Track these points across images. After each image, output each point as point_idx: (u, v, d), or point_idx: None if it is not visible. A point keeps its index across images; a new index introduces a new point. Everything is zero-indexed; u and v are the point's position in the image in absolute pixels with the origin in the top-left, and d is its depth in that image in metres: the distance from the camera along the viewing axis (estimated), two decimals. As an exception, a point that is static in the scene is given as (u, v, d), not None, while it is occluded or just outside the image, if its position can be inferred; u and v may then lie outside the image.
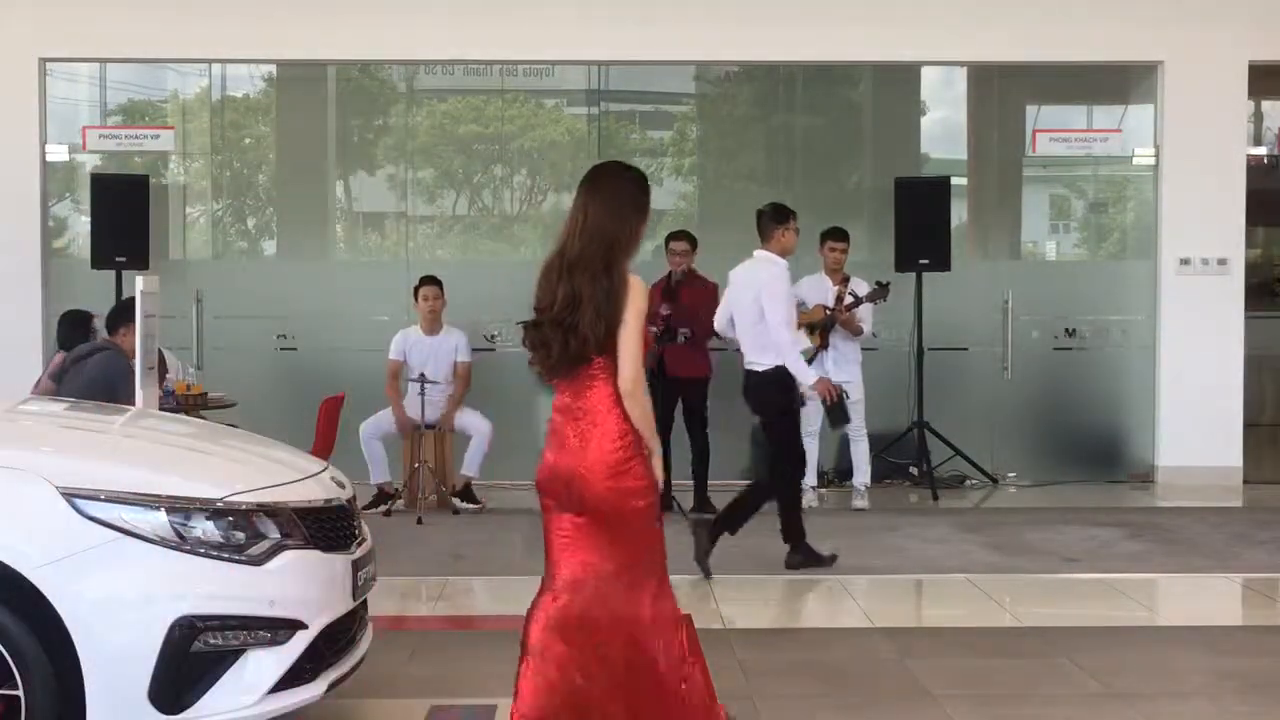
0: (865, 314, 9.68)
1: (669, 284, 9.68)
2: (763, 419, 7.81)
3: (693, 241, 9.77)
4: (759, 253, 7.78)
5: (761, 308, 7.50)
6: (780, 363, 7.48)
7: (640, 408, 4.28)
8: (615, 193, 4.42)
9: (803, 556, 7.68)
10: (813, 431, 9.86)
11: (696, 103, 12.58)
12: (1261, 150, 12.58)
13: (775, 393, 7.56)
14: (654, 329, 9.38)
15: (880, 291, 9.65)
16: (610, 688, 4.19)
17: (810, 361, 9.71)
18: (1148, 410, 11.07)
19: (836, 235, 9.86)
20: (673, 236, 9.83)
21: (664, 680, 4.27)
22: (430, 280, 9.83)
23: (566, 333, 4.27)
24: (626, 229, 4.38)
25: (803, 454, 7.88)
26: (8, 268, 10.63)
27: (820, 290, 9.79)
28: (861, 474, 9.85)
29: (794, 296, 9.80)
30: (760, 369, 7.60)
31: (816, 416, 9.83)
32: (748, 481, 10.79)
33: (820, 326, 9.67)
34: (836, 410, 7.85)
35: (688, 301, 9.59)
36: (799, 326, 9.68)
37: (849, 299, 9.64)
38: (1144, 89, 11.25)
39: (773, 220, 7.76)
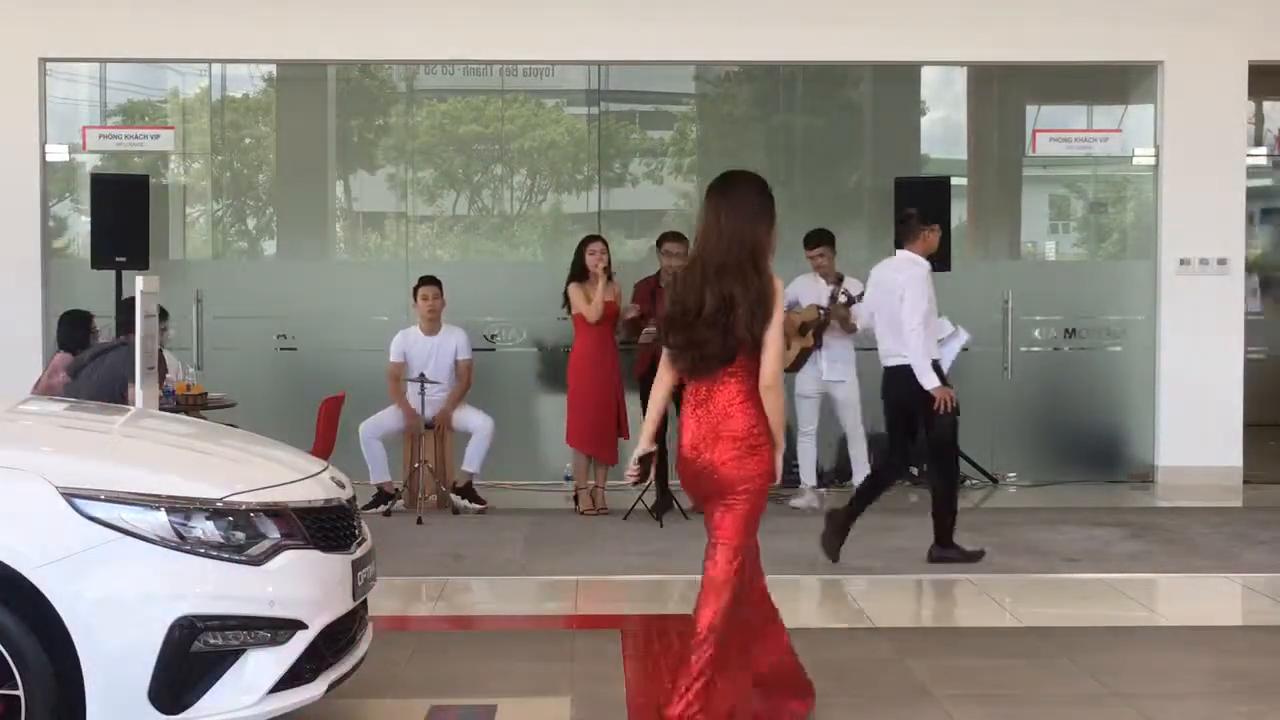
0: (859, 309, 9.66)
1: (659, 285, 9.65)
2: (920, 413, 7.81)
3: (686, 243, 9.76)
4: (902, 253, 7.95)
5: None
6: (933, 357, 7.72)
7: (779, 401, 4.71)
8: (747, 199, 4.78)
9: (941, 550, 7.86)
10: (809, 432, 9.87)
11: (696, 103, 12.58)
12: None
13: (923, 387, 7.68)
14: (653, 330, 9.38)
15: (851, 300, 9.65)
16: (745, 636, 4.81)
17: (803, 362, 9.76)
18: (1148, 410, 11.07)
19: (811, 244, 9.81)
20: (667, 238, 9.79)
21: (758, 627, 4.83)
22: (430, 280, 9.83)
23: (724, 333, 4.63)
24: (763, 232, 4.74)
25: (956, 451, 8.03)
26: (8, 268, 10.64)
27: (814, 290, 9.79)
28: (861, 474, 9.84)
29: (791, 295, 9.85)
30: (907, 364, 7.72)
31: (815, 416, 9.85)
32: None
33: (813, 326, 9.67)
34: (938, 419, 7.77)
35: None
36: (797, 326, 9.71)
37: (843, 298, 9.63)
38: (1144, 89, 11.26)
39: (919, 222, 7.94)
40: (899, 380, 7.78)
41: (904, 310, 7.64)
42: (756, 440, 4.67)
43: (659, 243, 9.84)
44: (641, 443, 4.97)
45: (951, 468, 7.97)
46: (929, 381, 7.61)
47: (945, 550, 7.85)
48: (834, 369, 9.73)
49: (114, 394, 7.73)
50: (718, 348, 4.65)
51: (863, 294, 9.59)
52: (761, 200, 4.80)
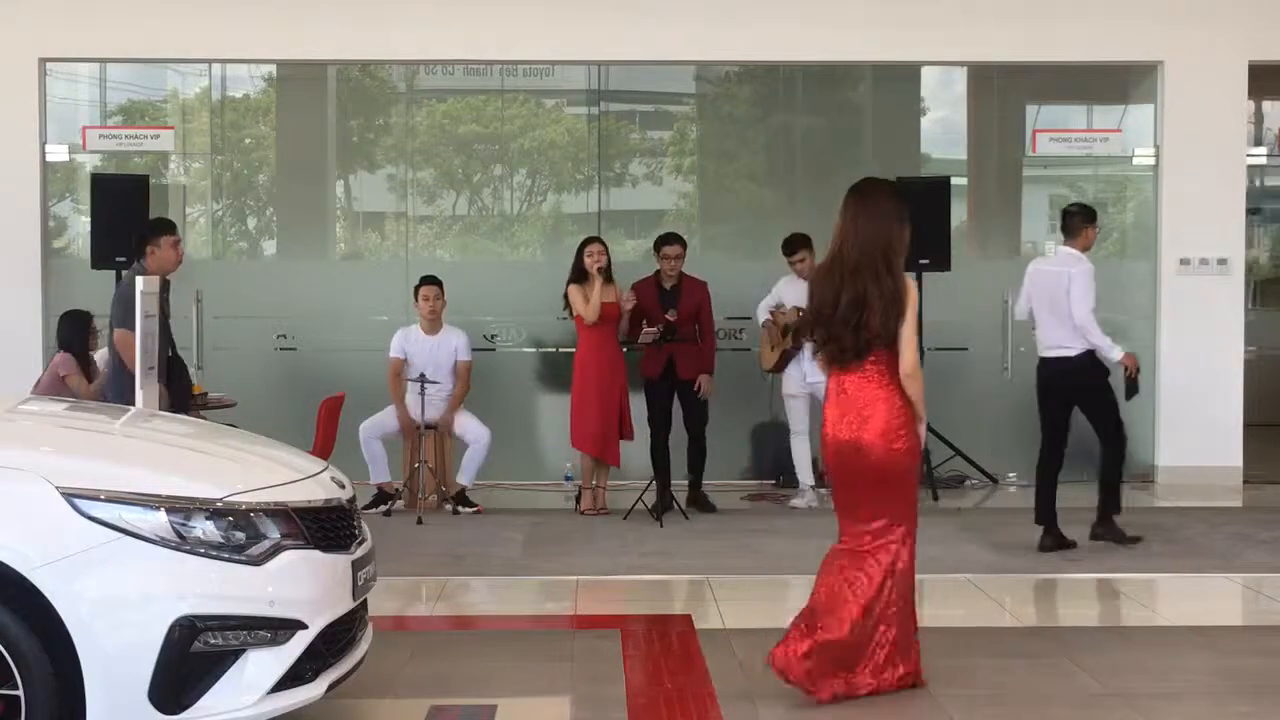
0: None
1: (662, 289, 9.64)
2: (1082, 400, 8.25)
3: (683, 244, 9.76)
4: (1064, 250, 8.35)
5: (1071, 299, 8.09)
6: (1088, 348, 8.10)
7: (919, 386, 5.21)
8: (881, 204, 5.22)
9: (1104, 530, 8.23)
10: (801, 432, 9.87)
11: (696, 103, 12.58)
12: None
13: (1088, 375, 8.14)
14: (655, 330, 9.38)
15: None
16: (868, 603, 5.15)
17: (786, 363, 9.77)
18: (1148, 410, 11.06)
19: (793, 249, 9.77)
20: (665, 240, 9.78)
21: (893, 594, 5.22)
22: (430, 280, 9.83)
23: (856, 329, 5.10)
24: (896, 235, 5.18)
25: (1122, 424, 8.39)
26: (8, 268, 10.64)
27: (796, 291, 9.78)
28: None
29: (774, 298, 9.87)
30: (1069, 355, 8.14)
31: (805, 416, 9.85)
32: (748, 481, 10.88)
33: (795, 329, 9.67)
34: (1130, 384, 8.33)
35: (688, 304, 9.59)
36: (779, 329, 9.71)
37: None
38: (1144, 89, 11.26)
39: (1083, 220, 8.28)
40: (1060, 370, 8.17)
41: (1073, 304, 8.03)
42: (900, 424, 5.17)
43: (656, 245, 9.81)
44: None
45: (1122, 440, 8.37)
46: (1117, 354, 8.15)
47: (1108, 529, 8.21)
48: (816, 370, 9.72)
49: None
50: (852, 342, 5.14)
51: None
52: (895, 205, 5.24)
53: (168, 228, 8.08)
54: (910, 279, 5.20)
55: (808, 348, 9.59)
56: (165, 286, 7.86)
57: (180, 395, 7.96)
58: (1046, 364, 8.25)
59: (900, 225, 5.23)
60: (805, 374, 9.72)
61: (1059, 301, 8.10)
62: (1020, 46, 10.91)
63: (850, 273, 5.14)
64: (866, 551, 5.20)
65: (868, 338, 5.12)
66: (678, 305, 9.57)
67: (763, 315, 9.90)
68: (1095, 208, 8.60)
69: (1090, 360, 8.13)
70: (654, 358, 9.50)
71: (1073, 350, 8.12)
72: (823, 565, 5.27)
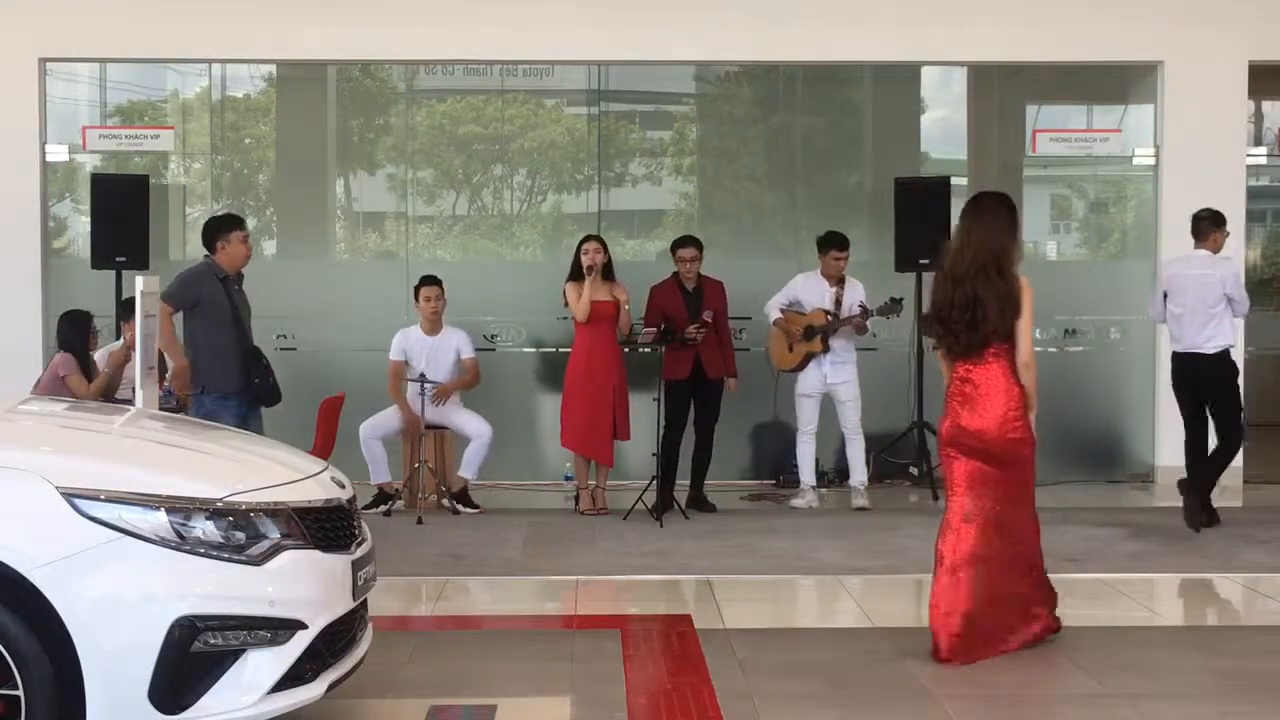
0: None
1: (685, 291, 9.63)
2: (1214, 395, 8.95)
3: (700, 246, 9.75)
4: (1201, 252, 8.95)
5: (1225, 297, 8.79)
6: (1226, 345, 8.83)
7: (1033, 376, 5.78)
8: (995, 215, 5.84)
9: (1207, 516, 8.75)
10: (809, 432, 9.87)
11: (696, 103, 12.58)
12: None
13: (1230, 371, 8.93)
14: (653, 330, 9.37)
15: (893, 307, 9.66)
16: (992, 577, 5.77)
17: (807, 363, 9.75)
18: (1148, 410, 11.07)
19: (841, 245, 9.79)
20: (681, 244, 9.76)
21: (1021, 566, 5.85)
22: (430, 280, 9.82)
23: (972, 326, 5.71)
24: (1008, 242, 5.79)
25: (1243, 423, 9.10)
26: (8, 268, 10.64)
27: (818, 292, 9.77)
28: (859, 474, 9.86)
29: (792, 294, 9.85)
30: (1213, 352, 8.83)
31: (815, 416, 9.84)
32: (748, 481, 10.88)
33: (822, 332, 9.66)
34: None
35: (713, 304, 9.59)
36: (802, 329, 9.70)
37: (856, 310, 9.60)
38: (1144, 89, 11.26)
39: (1212, 224, 8.95)
40: (1199, 367, 8.85)
41: (1236, 303, 8.83)
42: (1016, 412, 5.75)
43: (673, 249, 9.78)
44: None
45: (1240, 437, 9.06)
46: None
47: (1210, 515, 8.75)
48: (837, 371, 9.73)
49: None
50: (969, 337, 5.74)
51: (882, 309, 9.56)
52: (1008, 216, 5.84)
53: (237, 223, 8.22)
54: (1025, 279, 5.77)
55: (832, 350, 9.67)
56: (239, 279, 8.08)
57: (264, 391, 8.09)
58: (1185, 359, 8.94)
59: (1012, 234, 5.84)
60: (826, 375, 9.71)
61: (1207, 301, 8.79)
62: (1020, 46, 10.91)
63: (967, 276, 5.72)
64: (990, 527, 5.79)
65: (985, 333, 5.71)
66: (704, 305, 9.56)
67: (774, 313, 9.86)
68: (1219, 214, 9.04)
69: (1227, 358, 8.86)
70: (681, 359, 9.48)
71: (1213, 348, 8.82)
72: (946, 541, 5.85)
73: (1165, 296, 9.06)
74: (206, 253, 8.24)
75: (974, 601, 5.73)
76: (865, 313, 9.58)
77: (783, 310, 9.83)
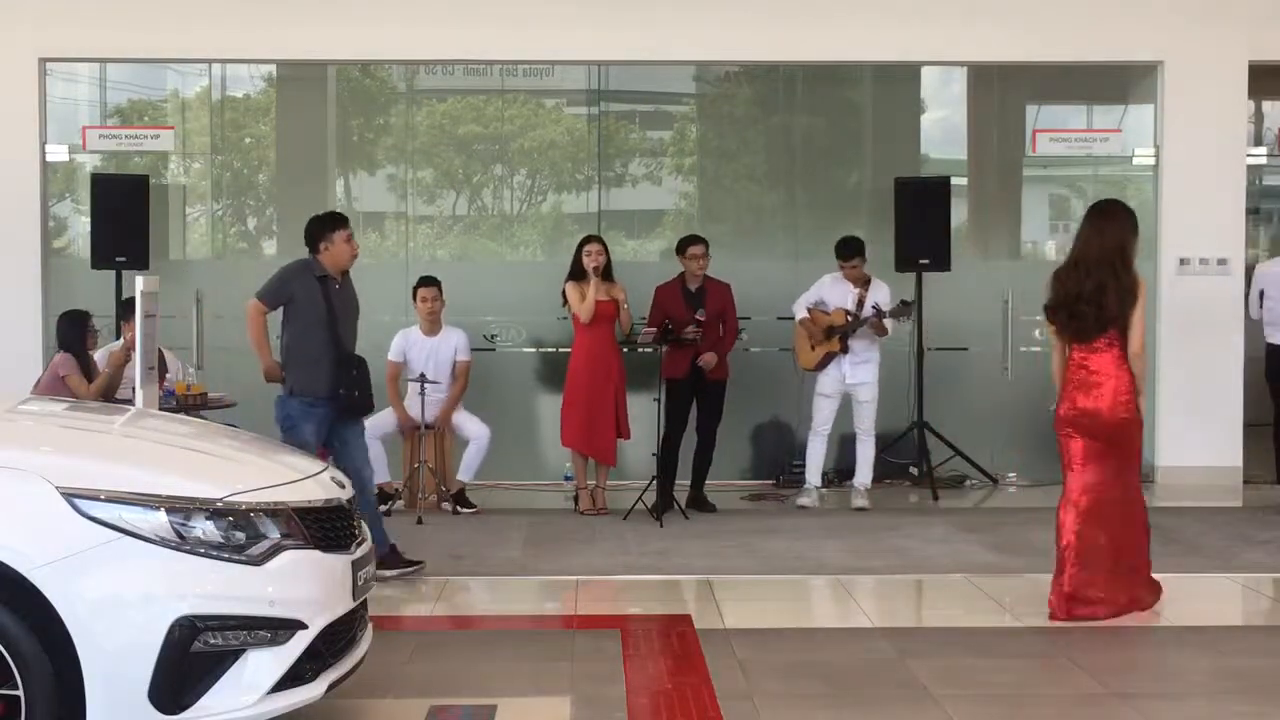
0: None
1: (687, 291, 9.63)
2: None
3: (706, 244, 9.74)
4: None
5: None
6: None
7: (1144, 365, 6.59)
8: (1117, 218, 6.61)
9: None
10: (822, 433, 9.85)
11: (696, 103, 12.58)
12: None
13: None
14: (654, 330, 9.37)
15: (904, 310, 9.67)
16: (1112, 543, 6.54)
17: (828, 363, 9.75)
18: (1148, 410, 11.01)
19: (849, 254, 9.74)
20: (691, 241, 9.73)
21: (1134, 533, 6.62)
22: (429, 281, 9.82)
23: (1097, 311, 6.43)
24: (1129, 241, 6.54)
25: None
26: (8, 268, 10.64)
27: (842, 293, 9.75)
28: (863, 474, 9.86)
29: (815, 295, 9.84)
30: None
31: (831, 418, 9.84)
32: (748, 481, 10.87)
33: (842, 332, 9.65)
34: None
35: (714, 305, 9.59)
36: (824, 329, 9.70)
37: (870, 311, 9.59)
38: (1144, 89, 11.25)
39: None
40: None
41: None
42: (1126, 396, 6.46)
43: (681, 248, 9.74)
44: None
45: None
46: None
47: None
48: (857, 371, 9.72)
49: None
50: (1092, 322, 6.45)
51: (894, 311, 9.56)
52: (1128, 218, 6.62)
53: (341, 222, 7.70)
54: (1141, 275, 6.54)
55: (852, 351, 9.67)
56: (342, 279, 7.64)
57: (356, 403, 7.47)
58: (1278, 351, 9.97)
59: (1133, 234, 6.58)
60: (845, 375, 9.70)
61: None
62: (1020, 46, 10.90)
63: (1093, 269, 6.45)
64: (1105, 498, 6.51)
65: (1106, 319, 6.42)
66: (704, 306, 9.56)
67: (800, 312, 9.85)
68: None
69: None
70: (680, 358, 9.48)
71: None
72: (1067, 512, 6.56)
73: (1261, 295, 10.06)
74: (309, 251, 7.63)
75: (1084, 567, 6.47)
76: (879, 314, 9.57)
77: (809, 310, 9.82)
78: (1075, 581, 6.47)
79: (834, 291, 9.79)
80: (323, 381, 7.37)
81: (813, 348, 9.79)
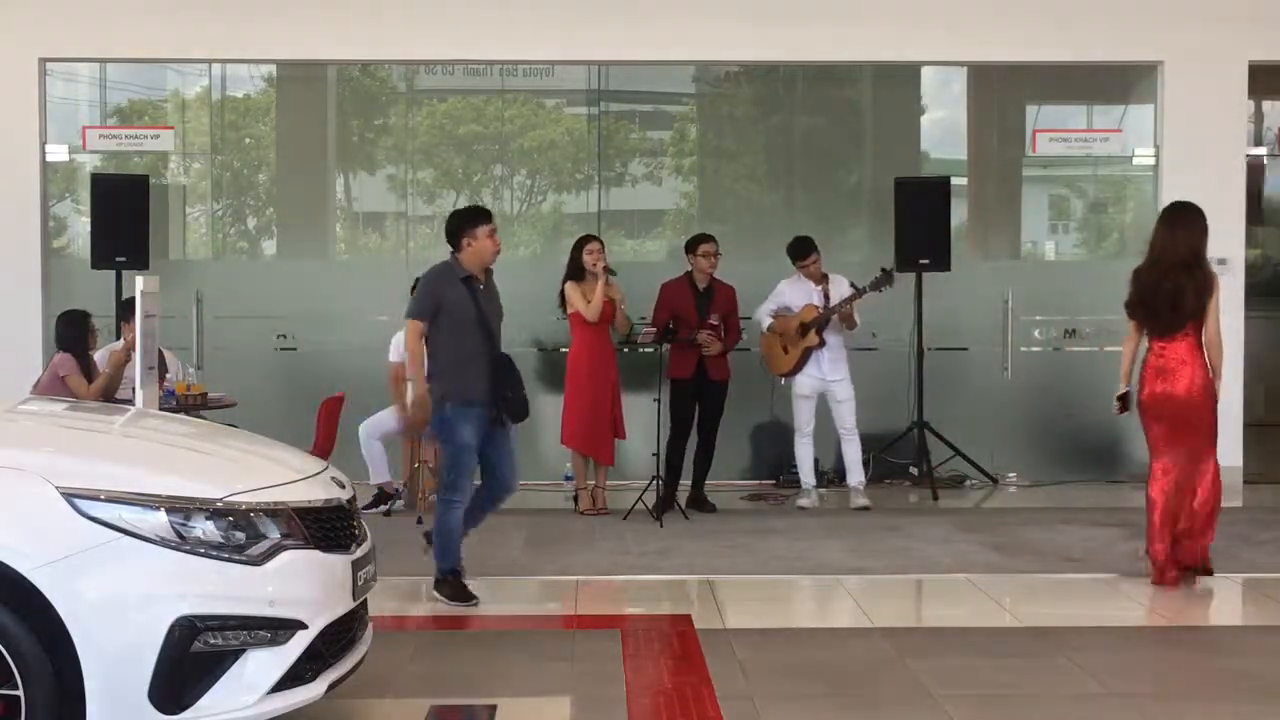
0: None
1: (696, 290, 9.61)
2: None
3: (716, 243, 9.73)
4: None
5: None
6: None
7: (1220, 353, 7.19)
8: (1193, 219, 7.22)
9: None
10: (808, 433, 9.86)
11: (696, 103, 12.58)
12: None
13: None
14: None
15: (885, 278, 9.60)
16: (1187, 516, 7.25)
17: (805, 362, 9.75)
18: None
19: (802, 252, 9.76)
20: (703, 239, 9.71)
21: (1207, 501, 7.25)
22: None
23: (1173, 306, 7.10)
24: (1202, 242, 7.19)
25: None
26: (8, 268, 10.64)
27: (804, 292, 9.76)
28: (856, 474, 9.85)
29: (781, 300, 9.83)
30: None
31: (811, 417, 9.84)
32: (748, 481, 10.87)
33: (816, 325, 9.65)
34: None
35: (722, 306, 9.59)
36: (796, 328, 9.70)
37: (849, 291, 9.60)
38: (1144, 89, 11.25)
39: None
40: None
41: None
42: (1203, 382, 7.11)
43: (693, 246, 9.70)
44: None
45: None
46: None
47: None
48: (835, 368, 9.73)
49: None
50: (1171, 318, 7.12)
51: (875, 282, 9.53)
52: (1200, 220, 7.21)
53: (484, 216, 7.23)
54: (1215, 271, 7.23)
55: (828, 346, 9.67)
56: (486, 278, 7.21)
57: (514, 405, 7.07)
58: None
59: (1204, 234, 7.18)
60: (825, 374, 9.70)
61: None
62: (1020, 46, 10.90)
63: (1170, 271, 7.13)
64: (1184, 476, 7.16)
65: (1183, 316, 7.08)
66: (714, 307, 9.55)
67: (766, 320, 9.86)
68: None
69: None
70: (686, 359, 9.48)
71: None
72: (1154, 488, 7.22)
73: None
74: (452, 250, 7.16)
75: (1171, 536, 7.20)
76: (858, 292, 9.55)
77: (774, 316, 9.82)
78: (1166, 551, 7.20)
79: (796, 293, 9.79)
80: (480, 385, 6.97)
81: (786, 350, 9.79)
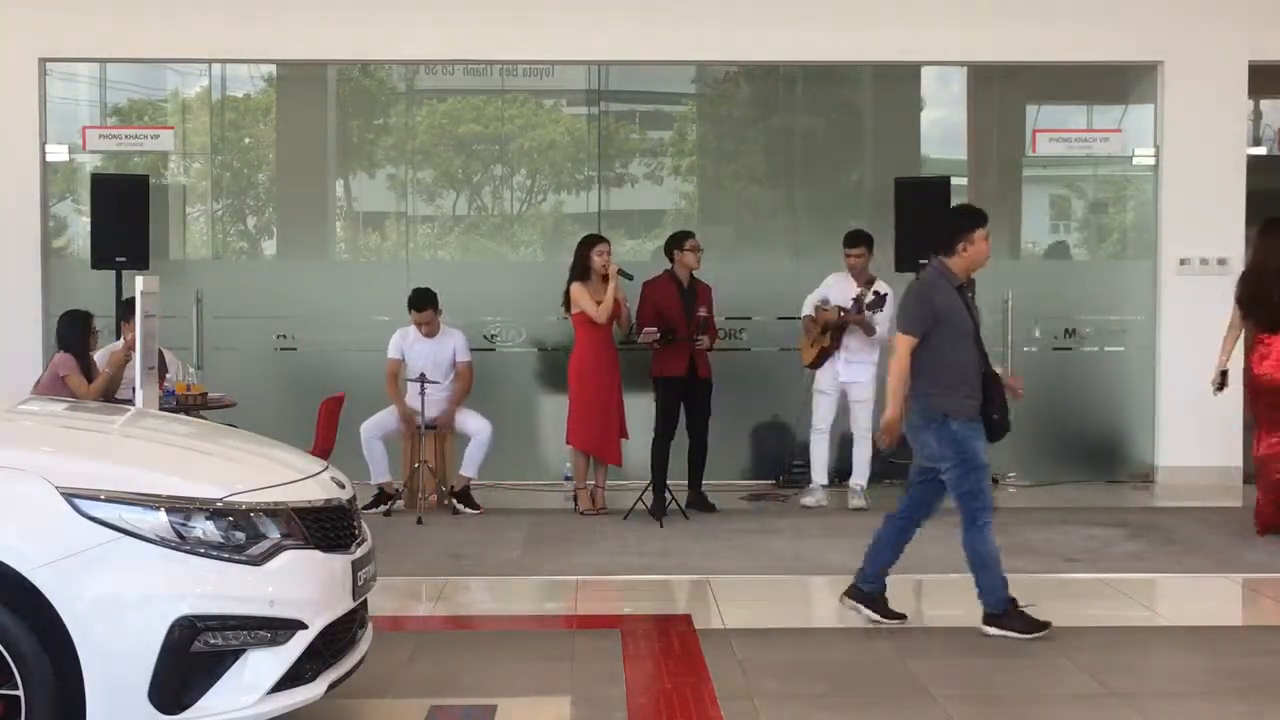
0: (880, 317, 9.53)
1: (681, 288, 9.61)
2: None
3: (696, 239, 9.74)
4: None
5: None
6: None
7: None
8: None
9: None
10: (823, 430, 9.85)
11: (696, 103, 12.57)
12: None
13: None
14: (655, 330, 9.37)
15: (876, 302, 9.61)
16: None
17: (822, 362, 9.75)
18: (1148, 410, 11.07)
19: (850, 242, 9.82)
20: (688, 235, 9.70)
21: None
22: (420, 305, 9.66)
23: (1273, 309, 8.51)
24: None
25: None
26: (8, 268, 10.64)
27: (844, 289, 9.75)
28: (859, 475, 9.85)
29: (823, 292, 9.84)
30: None
31: (830, 414, 9.84)
32: (748, 481, 10.87)
33: (833, 327, 9.66)
34: None
35: (705, 302, 9.59)
36: (819, 326, 9.70)
37: (871, 296, 9.61)
38: (1144, 89, 11.26)
39: None
40: None
41: None
42: None
43: (678, 242, 9.65)
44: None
45: None
46: None
47: None
48: (850, 369, 9.72)
49: None
50: (1271, 315, 8.49)
51: (869, 304, 9.53)
52: None
53: (981, 219, 6.82)
54: None
55: (844, 348, 9.67)
56: (972, 286, 6.86)
57: (999, 425, 6.65)
58: None
59: None
60: (839, 373, 9.71)
61: None
62: (1020, 46, 10.91)
63: (1275, 277, 8.50)
64: None
65: None
66: (698, 303, 9.55)
67: (807, 309, 9.86)
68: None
69: None
70: (678, 357, 9.46)
71: None
72: (1260, 458, 8.71)
73: None
74: (936, 256, 6.72)
75: (1275, 492, 8.53)
76: (857, 307, 9.56)
77: (816, 308, 9.83)
78: (1268, 505, 8.61)
79: (837, 289, 9.80)
80: (974, 401, 6.50)
81: (811, 345, 9.81)
